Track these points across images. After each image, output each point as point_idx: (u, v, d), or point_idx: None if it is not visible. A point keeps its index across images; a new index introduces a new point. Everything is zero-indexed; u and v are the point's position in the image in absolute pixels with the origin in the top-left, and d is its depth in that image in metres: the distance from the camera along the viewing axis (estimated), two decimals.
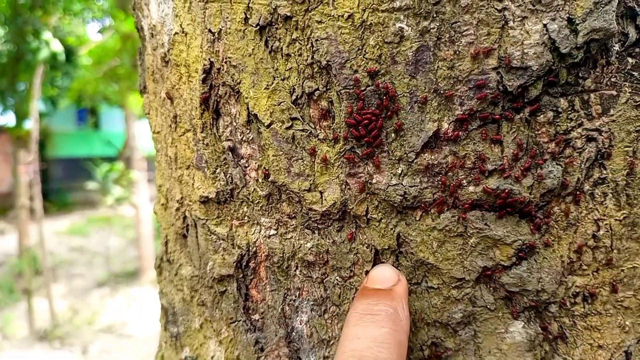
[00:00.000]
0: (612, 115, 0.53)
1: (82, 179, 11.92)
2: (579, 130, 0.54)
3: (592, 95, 0.53)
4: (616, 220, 0.55)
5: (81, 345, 5.62)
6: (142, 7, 0.74)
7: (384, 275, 0.56)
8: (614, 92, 0.53)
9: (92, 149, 14.43)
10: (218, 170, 0.66)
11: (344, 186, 0.58)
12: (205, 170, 0.67)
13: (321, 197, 0.59)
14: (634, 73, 0.54)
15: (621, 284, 0.56)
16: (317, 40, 0.55)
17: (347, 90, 0.56)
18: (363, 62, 0.54)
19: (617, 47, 0.53)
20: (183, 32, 0.65)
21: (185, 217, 0.73)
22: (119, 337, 5.87)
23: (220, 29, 0.61)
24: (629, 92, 0.53)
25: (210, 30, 0.62)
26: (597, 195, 0.55)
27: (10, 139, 8.03)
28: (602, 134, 0.54)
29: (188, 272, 0.72)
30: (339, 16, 0.54)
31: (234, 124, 0.63)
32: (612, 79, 0.53)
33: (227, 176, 0.65)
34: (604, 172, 0.54)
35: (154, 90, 0.76)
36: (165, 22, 0.68)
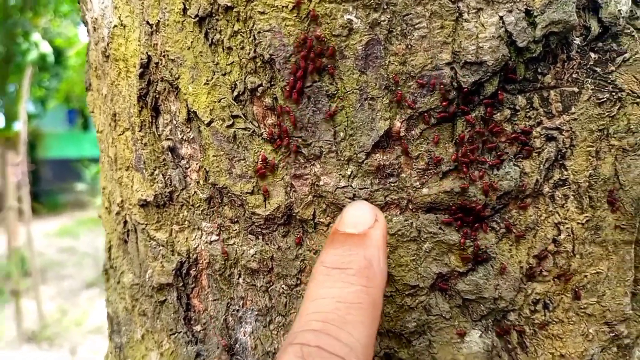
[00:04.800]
0: (574, 113, 0.51)
1: (71, 180, 11.87)
2: (538, 129, 0.51)
3: (552, 92, 0.51)
4: (578, 223, 0.52)
5: (70, 347, 5.57)
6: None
7: (358, 216, 0.48)
8: (575, 89, 0.51)
9: (81, 150, 14.33)
10: (157, 172, 0.62)
11: (289, 188, 0.55)
12: (144, 171, 0.63)
13: (265, 200, 0.56)
14: (596, 69, 0.51)
15: (584, 290, 0.53)
16: (259, 32, 0.51)
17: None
18: None
19: (578, 42, 0.51)
20: (122, 24, 0.62)
21: (125, 222, 0.69)
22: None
23: (159, 21, 0.57)
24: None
25: (148, 22, 0.58)
26: (557, 198, 0.52)
27: None
28: (563, 133, 0.51)
29: (129, 280, 0.68)
30: (283, 7, 0.51)
31: (174, 122, 0.60)
32: (574, 75, 0.51)
33: (166, 178, 0.61)
34: (565, 173, 0.52)
35: (97, 87, 0.72)
36: (105, 14, 0.64)
